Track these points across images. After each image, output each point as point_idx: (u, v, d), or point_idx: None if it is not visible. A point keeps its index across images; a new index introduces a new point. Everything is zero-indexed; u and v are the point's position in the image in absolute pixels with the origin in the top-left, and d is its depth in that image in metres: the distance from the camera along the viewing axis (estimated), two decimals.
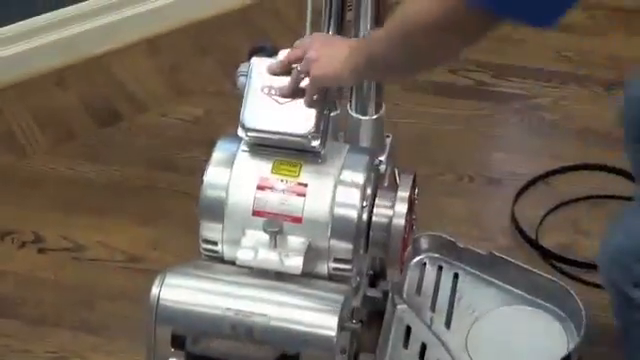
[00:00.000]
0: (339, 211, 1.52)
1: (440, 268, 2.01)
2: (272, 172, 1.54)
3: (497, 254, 1.98)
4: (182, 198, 2.24)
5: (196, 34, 2.74)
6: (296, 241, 1.51)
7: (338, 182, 1.53)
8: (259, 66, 1.56)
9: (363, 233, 1.54)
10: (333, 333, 1.42)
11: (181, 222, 2.16)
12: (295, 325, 1.44)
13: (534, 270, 1.95)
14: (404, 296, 1.94)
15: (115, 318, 1.98)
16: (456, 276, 1.99)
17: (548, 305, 1.92)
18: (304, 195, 1.52)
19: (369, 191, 1.55)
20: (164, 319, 1.47)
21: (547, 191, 2.25)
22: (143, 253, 2.13)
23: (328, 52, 1.51)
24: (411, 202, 1.59)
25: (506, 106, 2.49)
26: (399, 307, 1.91)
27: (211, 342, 1.45)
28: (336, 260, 1.53)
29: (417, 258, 2.02)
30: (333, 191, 1.52)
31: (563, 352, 1.82)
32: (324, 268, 1.54)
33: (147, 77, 2.63)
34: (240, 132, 1.54)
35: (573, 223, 2.17)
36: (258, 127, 1.53)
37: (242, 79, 1.59)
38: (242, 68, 1.60)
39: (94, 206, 2.24)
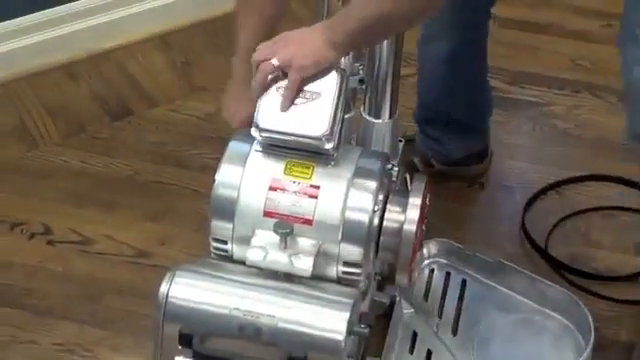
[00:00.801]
0: (350, 215, 1.51)
1: (448, 274, 2.01)
2: (284, 173, 1.53)
3: (506, 262, 1.97)
4: (191, 194, 2.24)
5: (209, 31, 2.74)
6: (306, 243, 1.51)
7: (350, 185, 1.52)
8: None
9: (374, 237, 1.54)
10: (341, 337, 1.42)
11: (189, 218, 2.16)
12: (303, 328, 1.44)
13: (542, 279, 1.94)
14: (411, 301, 1.93)
15: (121, 313, 1.98)
16: (464, 283, 1.99)
17: (556, 315, 1.91)
18: (316, 197, 1.52)
19: (381, 195, 1.55)
20: (172, 317, 1.47)
21: (558, 200, 2.24)
22: (151, 248, 2.13)
23: (300, 43, 1.53)
24: (423, 208, 1.58)
25: (519, 113, 2.48)
26: (406, 312, 1.91)
27: (218, 342, 1.44)
28: (346, 264, 1.53)
29: (425, 262, 2.02)
30: (345, 194, 1.52)
31: None
32: (333, 271, 1.54)
33: (159, 72, 2.63)
34: (254, 132, 1.54)
35: (583, 234, 2.16)
36: (272, 128, 1.53)
37: None
38: None
39: (103, 200, 2.24)
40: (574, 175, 2.28)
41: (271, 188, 1.53)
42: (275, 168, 1.54)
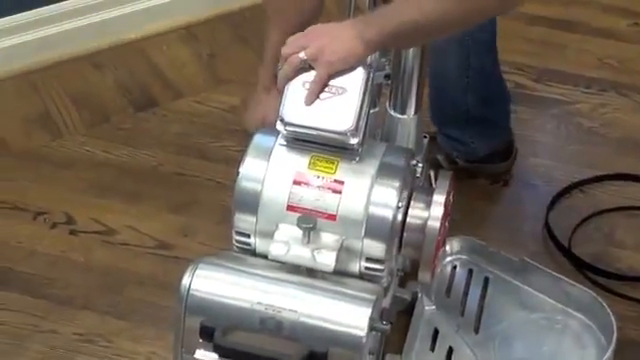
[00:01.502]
0: (374, 210, 1.50)
1: (470, 271, 2.00)
2: (308, 167, 1.52)
3: (529, 260, 1.97)
4: (214, 187, 2.25)
5: (235, 23, 2.74)
6: (329, 238, 1.50)
7: (374, 181, 1.51)
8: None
9: (397, 234, 1.53)
10: (363, 333, 1.41)
11: (212, 211, 2.16)
12: (325, 323, 1.43)
13: (565, 279, 1.93)
14: (433, 298, 1.93)
15: (143, 304, 1.99)
16: (486, 280, 1.98)
17: (578, 315, 1.90)
18: (340, 192, 1.51)
19: (405, 192, 1.54)
20: (194, 310, 1.46)
21: (582, 199, 2.23)
22: (173, 240, 2.13)
23: (331, 37, 1.52)
24: (447, 205, 1.58)
25: (544, 111, 2.46)
26: (427, 309, 1.90)
27: (240, 335, 1.44)
28: (368, 259, 1.52)
29: (448, 259, 2.01)
30: (369, 190, 1.51)
31: None
32: (356, 267, 1.53)
33: (184, 64, 2.63)
34: (279, 125, 1.53)
35: (607, 233, 2.15)
36: (297, 122, 1.52)
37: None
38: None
39: (126, 190, 2.25)
40: (598, 174, 2.26)
41: (295, 182, 1.52)
42: (299, 162, 1.53)
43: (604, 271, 2.05)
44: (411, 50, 1.74)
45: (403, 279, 1.86)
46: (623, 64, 2.60)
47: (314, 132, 1.52)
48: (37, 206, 2.19)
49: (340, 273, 1.51)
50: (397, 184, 1.52)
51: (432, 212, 1.54)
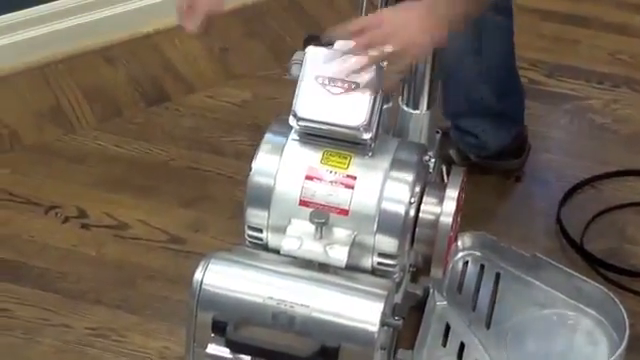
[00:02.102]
0: (387, 206, 1.51)
1: (482, 267, 2.00)
2: (321, 162, 1.53)
3: (541, 256, 1.96)
4: (225, 181, 2.25)
5: (247, 18, 2.74)
6: (342, 233, 1.51)
7: (387, 176, 1.52)
8: (315, 55, 1.54)
9: (409, 229, 1.53)
10: (375, 328, 1.42)
11: (224, 205, 2.16)
12: (337, 318, 1.44)
13: (577, 275, 1.93)
14: (444, 294, 1.92)
15: (154, 298, 1.99)
16: (498, 276, 1.98)
17: (590, 311, 1.90)
18: (352, 188, 1.51)
19: (418, 187, 1.54)
20: (206, 304, 1.47)
21: (594, 195, 2.22)
22: (185, 234, 2.13)
23: (403, 23, 1.49)
24: (459, 200, 1.57)
25: (557, 106, 2.46)
26: (439, 304, 1.90)
27: (252, 330, 1.44)
28: (381, 255, 1.52)
29: (460, 254, 2.01)
30: (382, 185, 1.51)
31: None
32: (368, 262, 1.53)
33: (196, 58, 2.62)
34: (291, 120, 1.53)
35: (619, 229, 2.14)
36: (310, 117, 1.52)
37: (295, 67, 1.58)
38: (297, 56, 1.59)
39: (138, 185, 2.25)
40: (611, 170, 2.26)
41: (307, 177, 1.52)
42: (312, 157, 1.53)
43: (616, 267, 2.04)
44: None
45: (415, 274, 1.86)
46: (636, 60, 2.59)
47: (327, 127, 1.52)
48: (49, 200, 2.20)
49: (352, 268, 1.51)
50: (410, 179, 1.52)
51: (444, 208, 1.54)
